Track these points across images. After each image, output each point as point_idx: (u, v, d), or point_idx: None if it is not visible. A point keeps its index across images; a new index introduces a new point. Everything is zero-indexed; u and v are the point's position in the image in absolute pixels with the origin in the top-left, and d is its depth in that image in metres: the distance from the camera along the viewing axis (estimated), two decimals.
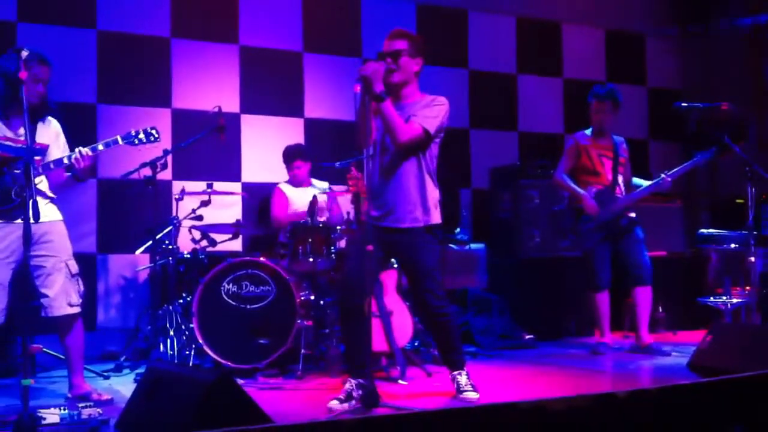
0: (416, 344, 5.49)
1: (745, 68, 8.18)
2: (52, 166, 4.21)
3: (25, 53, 3.86)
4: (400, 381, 4.72)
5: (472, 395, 4.14)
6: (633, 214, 5.80)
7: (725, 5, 8.48)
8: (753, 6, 8.10)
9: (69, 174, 4.31)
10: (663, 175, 5.67)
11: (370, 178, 4.13)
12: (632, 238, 5.74)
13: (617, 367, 5.40)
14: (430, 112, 4.11)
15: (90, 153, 4.17)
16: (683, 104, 5.83)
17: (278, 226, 6.02)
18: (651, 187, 5.74)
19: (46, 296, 4.17)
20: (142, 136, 4.30)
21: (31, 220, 3.47)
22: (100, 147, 4.20)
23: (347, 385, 4.10)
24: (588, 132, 5.93)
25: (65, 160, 4.17)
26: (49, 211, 4.23)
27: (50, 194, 4.33)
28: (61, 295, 4.20)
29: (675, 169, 5.70)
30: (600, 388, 4.66)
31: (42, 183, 4.28)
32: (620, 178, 5.83)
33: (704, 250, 7.00)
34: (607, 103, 5.81)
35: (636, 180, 5.92)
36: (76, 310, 4.28)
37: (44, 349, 4.85)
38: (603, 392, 4.13)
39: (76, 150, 4.17)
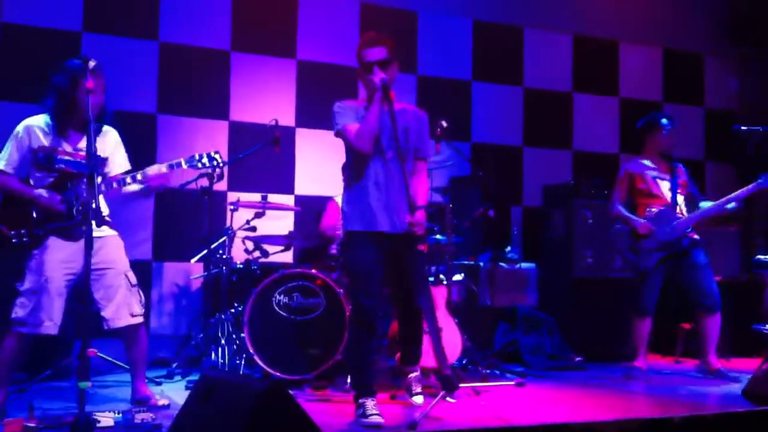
0: (464, 362, 5.47)
1: None
2: (129, 180, 4.23)
3: (92, 63, 3.98)
4: (448, 399, 4.71)
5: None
6: (696, 236, 5.69)
7: None
8: None
9: (140, 188, 4.32)
10: (728, 198, 5.58)
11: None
12: (696, 264, 5.62)
13: (668, 392, 5.30)
14: (428, 137, 4.43)
15: (165, 170, 4.23)
16: (743, 127, 5.73)
17: (324, 239, 6.06)
18: (714, 208, 5.63)
19: (107, 308, 4.20)
20: (205, 160, 4.35)
21: (94, 226, 3.54)
22: (164, 169, 4.23)
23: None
24: (640, 158, 5.86)
25: (138, 176, 4.22)
26: (105, 227, 4.24)
27: (106, 211, 4.35)
28: (123, 306, 4.23)
29: (737, 192, 5.59)
30: (650, 413, 4.57)
31: (100, 200, 4.27)
32: (680, 199, 5.73)
33: (761, 276, 6.86)
34: (676, 130, 5.86)
35: (702, 203, 5.81)
36: (139, 320, 4.32)
37: (99, 354, 4.94)
38: (657, 416, 4.08)
39: (153, 167, 4.23)
